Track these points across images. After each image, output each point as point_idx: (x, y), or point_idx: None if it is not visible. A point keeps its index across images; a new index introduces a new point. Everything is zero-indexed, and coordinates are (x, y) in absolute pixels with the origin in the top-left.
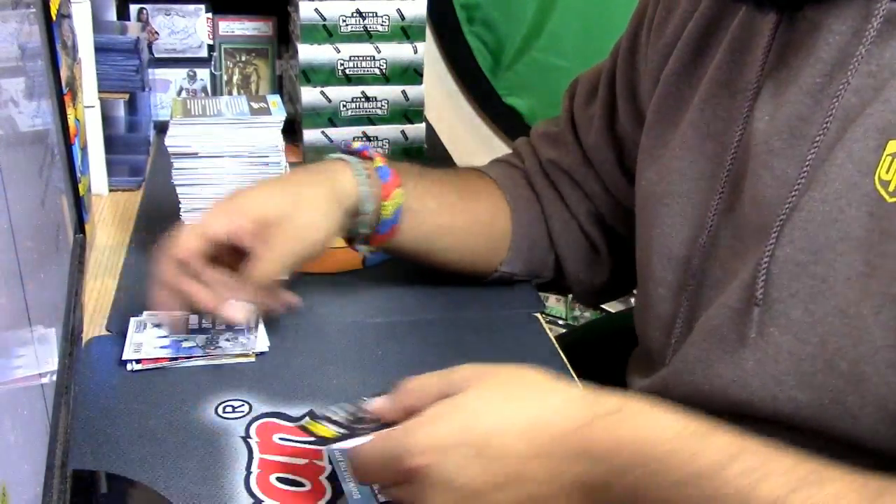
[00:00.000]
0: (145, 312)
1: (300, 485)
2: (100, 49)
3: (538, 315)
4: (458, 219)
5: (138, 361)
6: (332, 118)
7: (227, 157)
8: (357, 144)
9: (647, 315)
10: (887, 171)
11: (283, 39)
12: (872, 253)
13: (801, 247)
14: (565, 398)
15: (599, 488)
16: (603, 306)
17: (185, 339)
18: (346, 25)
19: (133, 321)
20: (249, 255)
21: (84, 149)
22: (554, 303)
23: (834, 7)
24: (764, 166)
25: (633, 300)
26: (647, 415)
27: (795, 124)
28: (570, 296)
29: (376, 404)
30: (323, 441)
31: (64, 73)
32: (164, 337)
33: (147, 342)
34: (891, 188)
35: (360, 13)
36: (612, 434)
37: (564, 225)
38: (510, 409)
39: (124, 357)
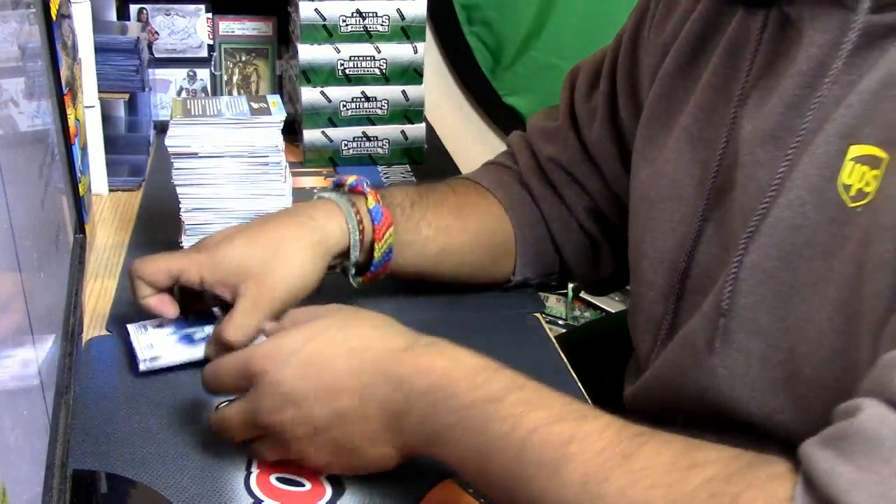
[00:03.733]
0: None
1: (300, 485)
2: (100, 49)
3: (538, 315)
4: (456, 239)
5: (153, 359)
6: (332, 118)
7: (227, 157)
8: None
9: (637, 318)
10: (849, 176)
11: (283, 39)
12: (835, 258)
13: (769, 253)
14: (391, 327)
15: (400, 413)
16: (603, 306)
17: (196, 331)
18: (346, 25)
19: (132, 327)
20: (232, 310)
21: (84, 149)
22: (554, 303)
23: (815, 18)
24: (749, 177)
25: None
26: (452, 350)
27: (778, 135)
28: (570, 296)
29: None
30: None
31: (64, 73)
32: (174, 333)
33: (157, 341)
34: (852, 192)
35: (360, 13)
36: (417, 360)
37: (564, 225)
38: (345, 332)
39: (140, 357)
